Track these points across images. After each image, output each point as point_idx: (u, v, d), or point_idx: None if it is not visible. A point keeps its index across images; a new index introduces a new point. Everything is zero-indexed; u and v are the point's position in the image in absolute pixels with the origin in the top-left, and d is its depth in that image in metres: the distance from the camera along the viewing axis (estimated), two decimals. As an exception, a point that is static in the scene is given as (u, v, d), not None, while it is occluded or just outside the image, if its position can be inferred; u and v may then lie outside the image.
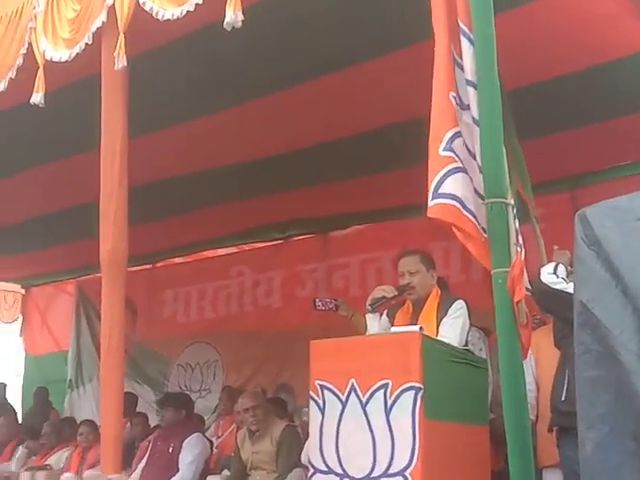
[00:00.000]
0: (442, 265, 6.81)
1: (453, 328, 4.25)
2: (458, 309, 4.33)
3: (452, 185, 3.44)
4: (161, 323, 10.02)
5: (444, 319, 4.30)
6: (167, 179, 7.09)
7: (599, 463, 2.44)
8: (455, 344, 4.16)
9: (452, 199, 3.43)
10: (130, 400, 7.27)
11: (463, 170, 3.50)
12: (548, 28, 4.71)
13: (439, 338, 4.17)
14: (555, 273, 3.86)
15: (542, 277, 3.88)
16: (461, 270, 7.22)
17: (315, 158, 6.62)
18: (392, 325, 4.43)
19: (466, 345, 4.32)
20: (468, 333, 4.37)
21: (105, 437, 4.57)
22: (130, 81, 4.73)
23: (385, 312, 4.63)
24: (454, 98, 3.57)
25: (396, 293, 4.55)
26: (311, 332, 7.73)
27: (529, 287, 3.83)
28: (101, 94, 4.76)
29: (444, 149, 3.47)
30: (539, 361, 4.56)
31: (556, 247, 4.23)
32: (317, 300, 5.60)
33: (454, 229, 3.44)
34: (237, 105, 5.75)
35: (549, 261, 4.17)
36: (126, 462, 5.58)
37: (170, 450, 6.33)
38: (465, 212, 3.45)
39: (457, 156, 3.49)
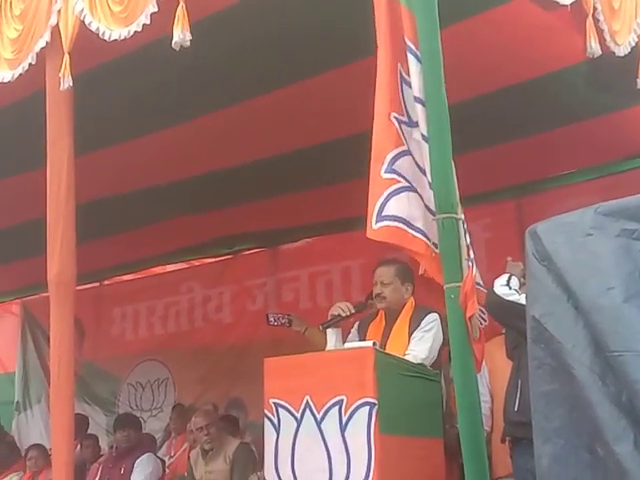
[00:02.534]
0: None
1: (423, 342, 4.25)
2: (430, 322, 4.32)
3: (396, 206, 3.47)
4: (110, 342, 9.86)
5: (415, 332, 4.30)
6: (114, 196, 7.00)
7: (556, 477, 2.47)
8: (423, 357, 4.17)
9: (396, 220, 3.46)
10: (81, 422, 7.16)
11: (409, 189, 3.52)
12: (489, 42, 4.78)
13: (407, 352, 4.18)
14: (508, 285, 3.90)
15: (495, 289, 3.92)
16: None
17: (263, 172, 6.60)
18: (365, 339, 4.40)
19: (437, 357, 4.29)
20: (441, 347, 4.33)
21: (56, 464, 4.48)
22: (76, 98, 4.67)
23: (357, 325, 4.62)
24: (396, 118, 3.58)
25: (353, 311, 4.53)
26: (262, 346, 7.77)
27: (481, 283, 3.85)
28: (46, 112, 4.69)
29: (386, 171, 3.49)
30: (492, 371, 4.59)
31: (509, 259, 4.26)
32: (270, 315, 5.55)
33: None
34: (185, 122, 5.70)
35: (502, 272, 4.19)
36: (77, 486, 5.48)
37: (122, 472, 6.28)
38: (411, 231, 3.47)
39: (401, 176, 3.51)
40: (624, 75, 4.96)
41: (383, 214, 3.45)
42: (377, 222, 3.45)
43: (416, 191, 3.55)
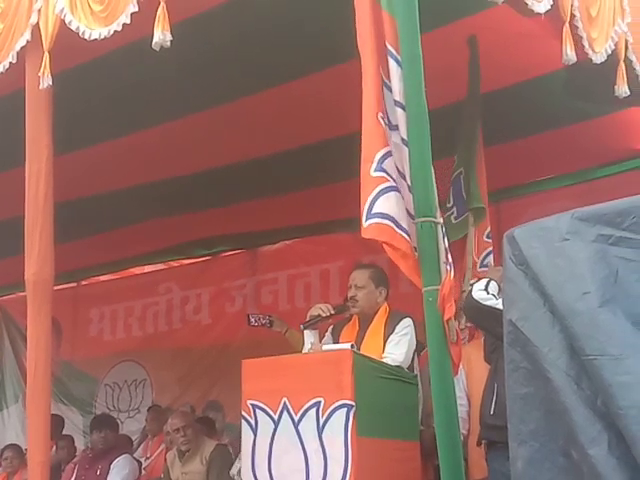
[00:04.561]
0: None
1: (399, 345, 4.26)
2: (405, 327, 4.33)
3: (384, 204, 3.47)
4: (87, 342, 9.80)
5: (391, 336, 4.31)
6: (92, 196, 6.98)
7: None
8: (401, 360, 4.19)
9: (385, 218, 3.46)
10: (56, 422, 7.10)
11: (396, 189, 3.54)
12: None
13: (385, 355, 4.20)
14: (486, 289, 3.91)
15: (473, 293, 3.94)
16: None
17: (243, 174, 6.61)
18: (338, 342, 4.41)
19: (412, 363, 4.32)
20: (415, 352, 4.36)
21: (32, 464, 4.45)
22: (55, 97, 4.65)
23: (330, 328, 4.63)
24: (382, 119, 3.60)
25: (333, 312, 4.54)
26: (240, 348, 7.78)
27: None
28: (25, 111, 4.67)
29: (375, 169, 3.50)
30: (470, 375, 4.61)
31: (490, 263, 4.28)
32: (251, 316, 5.55)
33: (386, 248, 3.47)
34: (165, 122, 5.70)
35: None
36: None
37: (98, 473, 6.24)
38: (399, 230, 3.48)
39: (389, 175, 3.53)
40: (601, 82, 5.01)
41: (372, 212, 3.46)
42: (367, 220, 3.46)
43: (400, 192, 3.57)
